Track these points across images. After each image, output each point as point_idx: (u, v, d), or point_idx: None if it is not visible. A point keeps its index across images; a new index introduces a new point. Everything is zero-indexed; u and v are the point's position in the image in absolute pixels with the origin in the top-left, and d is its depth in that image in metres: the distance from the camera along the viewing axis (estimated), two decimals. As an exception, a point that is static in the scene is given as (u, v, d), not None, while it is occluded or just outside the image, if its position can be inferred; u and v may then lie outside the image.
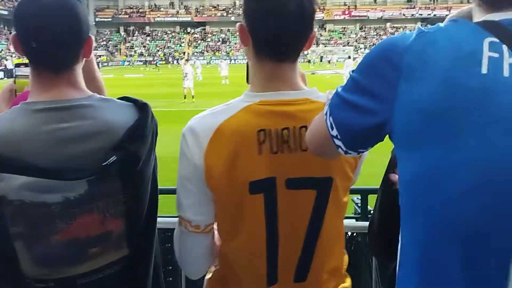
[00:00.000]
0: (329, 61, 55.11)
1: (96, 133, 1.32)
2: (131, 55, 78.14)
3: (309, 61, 58.43)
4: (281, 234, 1.41)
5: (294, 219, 1.41)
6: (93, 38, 1.42)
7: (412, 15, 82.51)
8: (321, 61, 59.55)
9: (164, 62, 70.27)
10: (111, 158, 1.29)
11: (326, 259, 1.48)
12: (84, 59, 1.42)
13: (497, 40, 0.92)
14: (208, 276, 1.60)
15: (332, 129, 1.14)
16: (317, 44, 74.35)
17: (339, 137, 1.14)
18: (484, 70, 0.90)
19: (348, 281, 1.60)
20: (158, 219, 1.54)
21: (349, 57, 32.60)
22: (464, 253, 0.90)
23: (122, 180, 1.33)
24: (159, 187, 1.52)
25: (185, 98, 21.26)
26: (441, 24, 1.02)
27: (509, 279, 0.83)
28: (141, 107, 1.43)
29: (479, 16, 1.02)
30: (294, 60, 1.41)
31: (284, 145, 1.36)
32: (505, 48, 0.92)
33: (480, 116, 0.87)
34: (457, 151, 0.88)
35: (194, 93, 21.40)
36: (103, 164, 1.28)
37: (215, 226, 1.50)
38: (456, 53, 0.93)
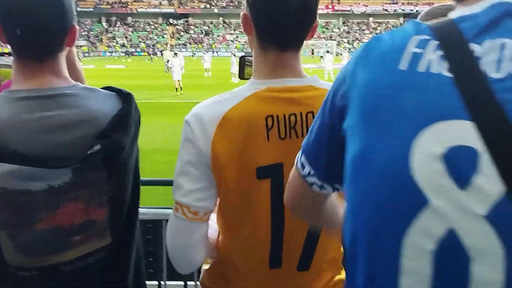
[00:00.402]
0: (321, 56, 55.23)
1: (80, 121, 1.32)
2: (113, 46, 77.37)
3: (313, 51, 58.43)
4: (287, 222, 1.42)
5: None
6: (77, 26, 1.41)
7: (395, 10, 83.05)
8: (312, 54, 59.50)
9: (146, 54, 69.74)
10: (96, 147, 1.28)
11: (327, 248, 1.50)
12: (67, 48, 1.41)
13: (428, 37, 0.90)
14: (205, 267, 1.60)
15: (304, 167, 1.11)
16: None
17: (311, 172, 1.10)
18: (402, 66, 0.88)
19: (343, 274, 1.61)
20: (139, 211, 1.53)
21: (328, 51, 32.78)
22: (365, 253, 0.90)
23: (106, 169, 1.33)
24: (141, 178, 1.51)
25: (177, 90, 21.28)
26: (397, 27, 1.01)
27: (399, 275, 0.83)
28: (125, 97, 1.42)
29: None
30: (298, 49, 1.43)
31: (291, 130, 1.38)
32: (432, 43, 0.89)
33: (391, 114, 0.86)
34: (370, 151, 0.88)
35: (178, 85, 21.41)
36: (88, 152, 1.28)
37: (214, 220, 1.50)
38: (384, 54, 0.92)
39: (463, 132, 0.80)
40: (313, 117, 1.36)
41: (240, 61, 1.62)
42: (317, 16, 1.41)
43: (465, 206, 0.78)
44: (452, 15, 0.94)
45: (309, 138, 1.10)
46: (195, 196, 1.39)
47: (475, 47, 0.85)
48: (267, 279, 1.48)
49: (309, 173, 1.10)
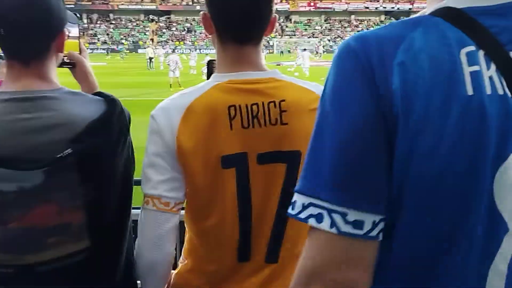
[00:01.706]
0: (281, 52, 54.79)
1: (56, 125, 1.32)
2: (94, 43, 76.66)
3: (281, 52, 58.53)
4: (254, 211, 1.43)
5: (266, 195, 1.43)
6: (66, 32, 1.44)
7: (376, 8, 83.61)
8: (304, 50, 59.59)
9: (128, 51, 69.24)
10: (66, 151, 1.29)
11: (296, 241, 1.50)
12: (60, 54, 1.46)
13: (473, 48, 0.80)
14: (175, 271, 1.59)
15: (362, 224, 0.81)
16: (282, 35, 74.59)
17: (376, 220, 0.81)
18: (469, 90, 0.78)
19: None
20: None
21: (305, 49, 32.94)
22: None
23: (80, 173, 1.33)
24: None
25: (171, 87, 21.20)
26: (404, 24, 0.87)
27: None
28: (109, 102, 1.43)
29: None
30: (257, 42, 1.47)
31: (254, 120, 1.40)
32: (481, 55, 0.80)
33: (474, 145, 0.78)
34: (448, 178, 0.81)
35: (173, 81, 21.50)
36: (57, 156, 1.28)
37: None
38: (439, 78, 0.79)
39: None
40: (275, 106, 1.40)
41: (208, 65, 1.67)
42: (273, 10, 1.45)
43: None
44: (453, 2, 0.86)
45: (346, 168, 0.80)
46: (165, 187, 1.40)
47: None
48: (235, 272, 1.49)
49: (374, 223, 0.81)
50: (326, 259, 0.82)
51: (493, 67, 0.80)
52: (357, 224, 0.80)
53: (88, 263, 1.39)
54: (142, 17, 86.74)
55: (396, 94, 0.78)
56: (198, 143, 1.37)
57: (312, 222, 0.82)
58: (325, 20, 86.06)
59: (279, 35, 73.05)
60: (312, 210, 0.82)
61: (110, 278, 1.46)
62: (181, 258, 1.62)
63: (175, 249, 1.52)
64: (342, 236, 0.80)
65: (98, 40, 78.67)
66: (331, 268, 0.81)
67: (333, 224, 0.80)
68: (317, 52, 52.80)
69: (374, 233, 0.80)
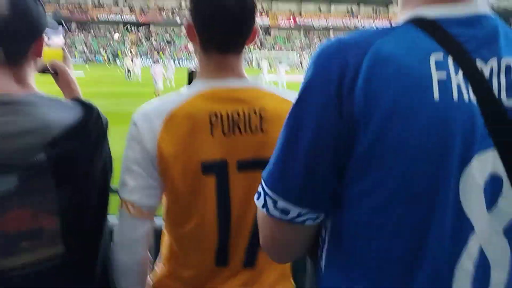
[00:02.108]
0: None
1: (31, 129, 1.31)
2: (71, 52, 75.92)
3: (259, 66, 58.62)
4: (233, 217, 1.45)
5: (246, 201, 1.45)
6: (45, 37, 1.43)
7: (355, 25, 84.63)
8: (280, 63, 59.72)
9: (108, 61, 68.71)
10: (40, 156, 1.29)
11: None
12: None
13: (441, 55, 0.86)
14: (151, 275, 1.60)
15: (287, 212, 0.97)
16: (260, 49, 75.02)
17: (302, 212, 0.96)
18: (436, 96, 0.83)
19: (290, 281, 1.65)
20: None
21: (280, 62, 33.16)
22: None
23: (55, 178, 1.33)
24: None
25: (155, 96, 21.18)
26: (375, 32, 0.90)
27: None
28: (86, 108, 1.43)
29: (406, 6, 0.96)
30: (239, 51, 1.49)
31: (235, 127, 1.43)
32: (450, 62, 0.86)
33: (439, 147, 0.84)
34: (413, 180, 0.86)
35: (157, 92, 21.46)
36: (31, 160, 1.28)
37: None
38: (406, 83, 0.84)
39: (494, 162, 0.86)
40: (255, 115, 1.44)
41: (189, 76, 1.68)
42: (256, 21, 1.48)
43: (491, 225, 0.87)
44: (425, 12, 0.91)
45: (285, 172, 0.95)
46: (139, 194, 1.42)
47: (482, 65, 0.86)
48: (213, 277, 1.50)
49: (298, 214, 0.96)
50: (266, 232, 1.03)
51: (460, 73, 0.85)
52: (284, 211, 0.96)
53: (62, 268, 1.38)
54: (121, 28, 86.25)
55: (359, 100, 0.84)
56: (179, 148, 1.39)
57: (255, 197, 1.01)
58: (304, 35, 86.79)
59: (259, 48, 73.43)
60: (259, 189, 1.00)
61: (86, 284, 1.45)
62: (157, 262, 1.62)
63: (151, 254, 1.53)
64: (270, 217, 0.98)
65: (76, 50, 77.96)
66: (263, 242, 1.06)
67: (265, 205, 0.98)
68: (301, 66, 53.17)
69: (299, 219, 0.96)
